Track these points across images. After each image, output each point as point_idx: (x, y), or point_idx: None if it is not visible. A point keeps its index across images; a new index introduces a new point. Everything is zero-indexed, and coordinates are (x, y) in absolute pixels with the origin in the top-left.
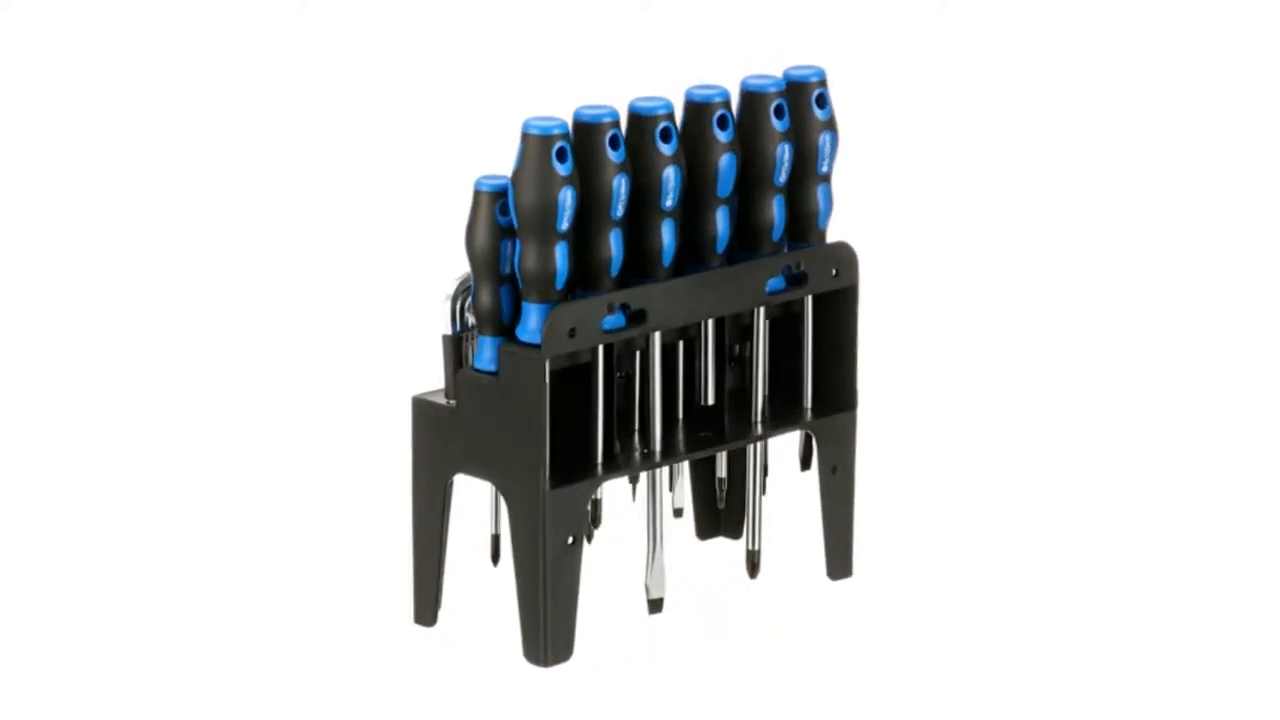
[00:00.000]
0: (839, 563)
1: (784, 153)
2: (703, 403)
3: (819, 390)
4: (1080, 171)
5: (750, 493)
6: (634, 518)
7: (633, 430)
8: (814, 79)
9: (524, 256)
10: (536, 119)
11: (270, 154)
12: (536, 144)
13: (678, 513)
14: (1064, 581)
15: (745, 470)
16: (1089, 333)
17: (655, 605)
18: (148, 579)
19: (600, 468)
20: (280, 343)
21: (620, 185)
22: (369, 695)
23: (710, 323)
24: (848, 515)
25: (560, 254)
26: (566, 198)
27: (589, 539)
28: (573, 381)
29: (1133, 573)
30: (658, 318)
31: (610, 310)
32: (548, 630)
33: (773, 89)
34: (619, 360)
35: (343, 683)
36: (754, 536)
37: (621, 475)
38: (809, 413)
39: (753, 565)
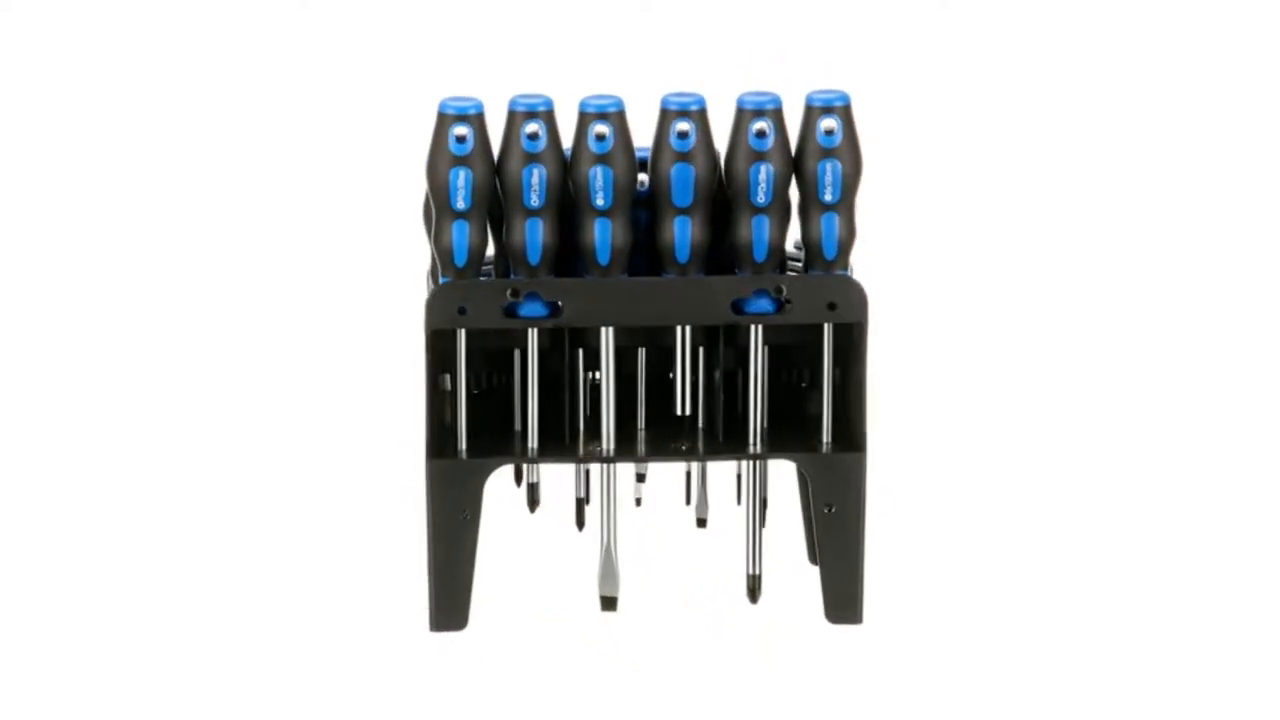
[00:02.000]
0: (840, 606)
1: (760, 173)
2: (679, 413)
3: (816, 425)
4: (1091, 182)
5: (749, 516)
6: (639, 516)
7: (596, 427)
8: (830, 104)
9: (434, 231)
10: (453, 99)
11: (274, 151)
12: (439, 123)
13: (700, 523)
14: (1085, 644)
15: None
16: (1111, 363)
17: (607, 603)
18: (143, 564)
19: (491, 450)
20: (297, 317)
21: (532, 176)
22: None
23: (687, 332)
24: (849, 558)
25: (458, 232)
26: (459, 178)
27: (580, 526)
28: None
29: (1160, 631)
30: (575, 314)
31: (514, 295)
32: (434, 596)
33: (768, 105)
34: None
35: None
36: (755, 561)
37: (527, 462)
38: (799, 445)
39: (752, 590)
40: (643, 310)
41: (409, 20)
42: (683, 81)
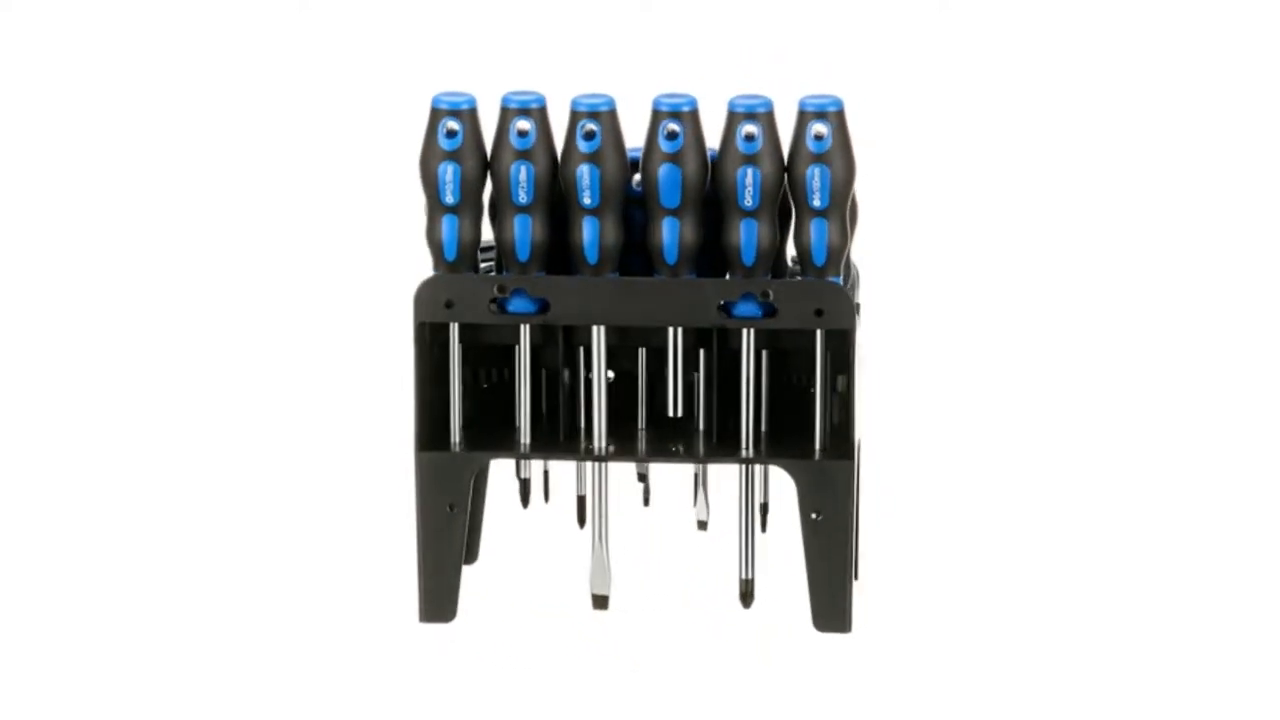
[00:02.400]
0: (828, 615)
1: (746, 177)
2: (672, 414)
3: (803, 431)
4: (1090, 180)
5: (742, 520)
6: (642, 517)
7: (586, 423)
8: (822, 109)
9: (426, 225)
10: (446, 94)
11: (274, 153)
12: (431, 117)
13: (701, 526)
14: (1076, 652)
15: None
16: (1108, 371)
17: (598, 601)
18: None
19: (481, 444)
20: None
21: (520, 172)
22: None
23: (679, 334)
24: (837, 566)
25: (448, 226)
26: (447, 172)
27: (581, 524)
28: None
29: (1152, 642)
30: (562, 311)
31: (501, 291)
32: (422, 587)
33: (758, 109)
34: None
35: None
36: (748, 565)
37: (506, 456)
38: (790, 450)
39: (745, 595)
40: (629, 310)
41: (415, 18)
42: (686, 82)
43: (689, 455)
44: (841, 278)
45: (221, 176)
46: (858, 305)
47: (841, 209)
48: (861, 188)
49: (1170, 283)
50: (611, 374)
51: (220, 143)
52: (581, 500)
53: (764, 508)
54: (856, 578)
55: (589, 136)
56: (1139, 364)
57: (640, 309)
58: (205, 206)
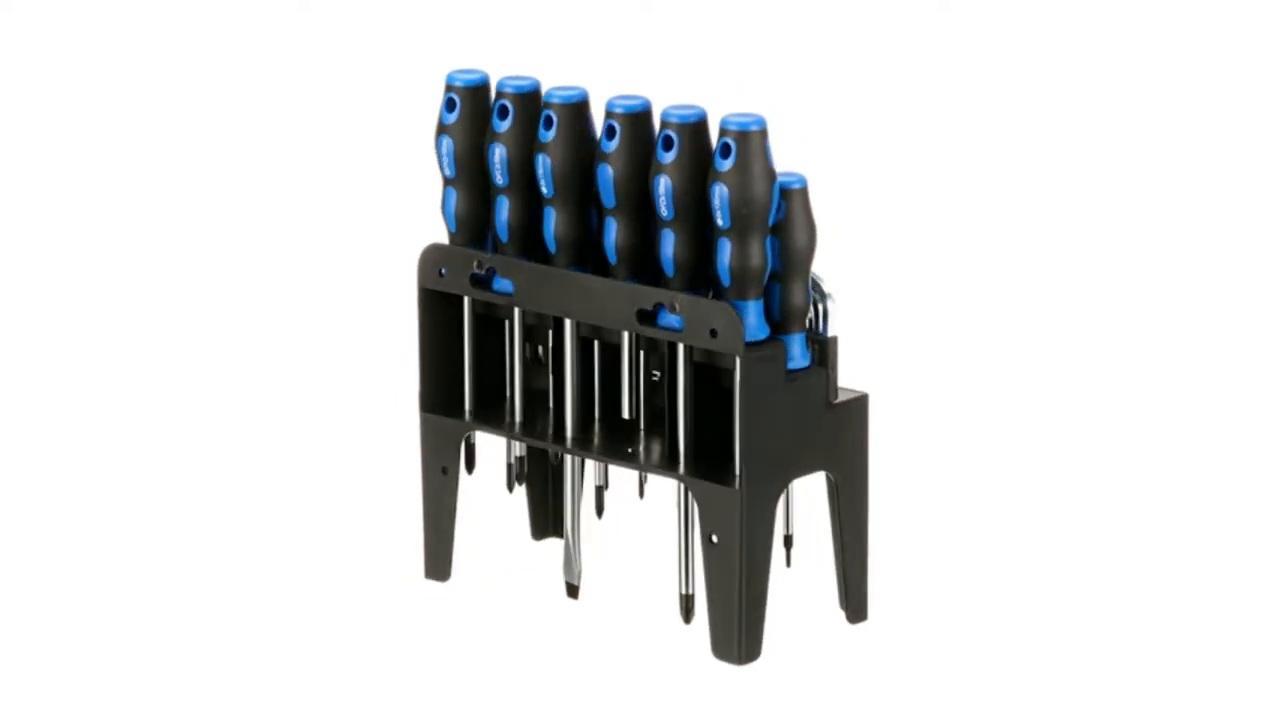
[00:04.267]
0: (721, 641)
1: (660, 185)
2: (625, 415)
3: (701, 451)
4: (1089, 184)
5: (681, 536)
6: (644, 517)
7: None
8: (744, 128)
9: None
10: (460, 71)
11: (273, 154)
12: (444, 91)
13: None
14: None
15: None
16: (1105, 379)
17: (571, 590)
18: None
19: (471, 414)
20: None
21: (496, 154)
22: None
23: (628, 337)
24: (728, 593)
25: (447, 198)
26: (443, 145)
27: (599, 513)
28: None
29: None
30: (521, 296)
31: (479, 267)
32: (425, 545)
33: (688, 119)
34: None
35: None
36: (687, 581)
37: (498, 434)
38: (684, 468)
39: (687, 610)
40: (568, 305)
41: (391, 23)
42: (678, 82)
43: (635, 462)
44: (763, 302)
45: (213, 182)
46: (834, 338)
47: (757, 232)
48: (859, 196)
49: (1172, 285)
50: (656, 374)
51: (210, 146)
52: (600, 491)
53: (788, 540)
54: (858, 620)
55: (548, 125)
56: (1130, 376)
57: (576, 305)
58: (243, 189)
